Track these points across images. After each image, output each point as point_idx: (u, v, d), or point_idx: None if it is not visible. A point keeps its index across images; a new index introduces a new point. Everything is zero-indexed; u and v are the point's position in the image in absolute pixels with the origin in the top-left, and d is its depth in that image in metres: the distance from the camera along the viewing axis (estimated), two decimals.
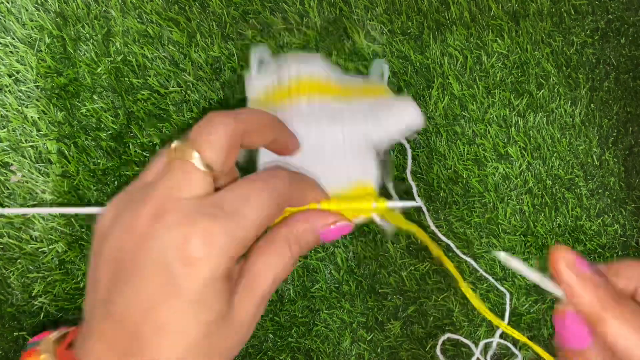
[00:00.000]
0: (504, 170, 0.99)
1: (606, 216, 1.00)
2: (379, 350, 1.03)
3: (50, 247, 0.92)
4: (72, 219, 0.92)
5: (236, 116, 0.37)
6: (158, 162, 0.43)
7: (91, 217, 0.93)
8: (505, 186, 0.99)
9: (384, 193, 0.52)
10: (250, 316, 0.33)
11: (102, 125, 0.95)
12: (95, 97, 0.94)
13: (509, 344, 0.89)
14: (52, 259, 0.92)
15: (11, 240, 0.92)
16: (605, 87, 1.03)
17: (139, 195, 0.37)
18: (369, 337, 0.98)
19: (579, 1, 1.04)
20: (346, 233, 0.40)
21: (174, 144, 0.36)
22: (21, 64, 0.93)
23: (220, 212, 0.32)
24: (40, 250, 0.92)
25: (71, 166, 0.93)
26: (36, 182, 0.92)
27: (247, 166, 0.51)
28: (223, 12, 0.97)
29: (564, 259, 0.32)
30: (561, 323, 0.32)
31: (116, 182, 0.94)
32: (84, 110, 0.94)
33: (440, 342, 0.95)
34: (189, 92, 0.95)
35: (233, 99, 0.96)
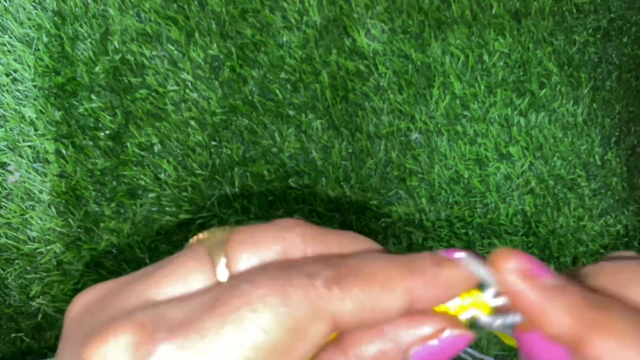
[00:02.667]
0: (505, 170, 0.98)
1: (608, 216, 0.99)
2: None
3: (48, 247, 0.91)
4: (70, 220, 0.92)
5: (317, 238, 0.23)
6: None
7: (89, 218, 0.93)
8: (507, 186, 0.98)
9: None
10: None
11: (100, 125, 0.94)
12: (93, 96, 0.94)
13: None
14: (50, 259, 0.92)
15: (9, 241, 0.91)
16: (608, 87, 1.02)
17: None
18: None
19: (581, 0, 1.03)
20: (461, 348, 0.23)
21: (205, 234, 0.24)
22: (19, 63, 0.93)
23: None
24: (37, 250, 0.92)
25: (69, 166, 0.92)
26: (34, 182, 0.92)
27: None
28: (222, 11, 0.96)
29: (514, 268, 0.22)
30: (528, 346, 0.23)
31: (114, 182, 0.94)
32: (82, 109, 0.94)
33: None
34: (187, 91, 0.94)
35: (234, 99, 0.96)
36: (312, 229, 0.23)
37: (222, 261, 0.22)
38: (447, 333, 0.22)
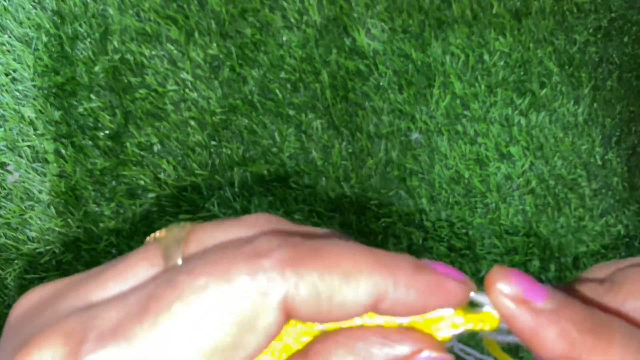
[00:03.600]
0: (506, 170, 0.98)
1: (609, 216, 0.99)
2: None
3: (47, 247, 0.91)
4: (70, 220, 0.92)
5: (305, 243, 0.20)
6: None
7: (89, 218, 0.93)
8: (508, 186, 0.98)
9: None
10: None
11: (100, 125, 0.94)
12: (92, 96, 0.94)
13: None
14: (50, 259, 0.92)
15: (8, 241, 0.91)
16: (608, 86, 1.02)
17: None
18: None
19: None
20: None
21: (163, 232, 0.21)
22: (18, 63, 0.93)
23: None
24: (37, 251, 0.92)
25: (68, 166, 0.92)
26: (33, 182, 0.92)
27: None
28: (222, 10, 0.96)
29: (508, 292, 0.21)
30: None
31: (113, 182, 0.94)
32: (81, 109, 0.94)
33: None
34: (187, 90, 0.94)
35: (234, 99, 0.96)
36: (287, 227, 0.20)
37: (179, 263, 0.19)
38: (425, 354, 0.20)
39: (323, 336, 0.19)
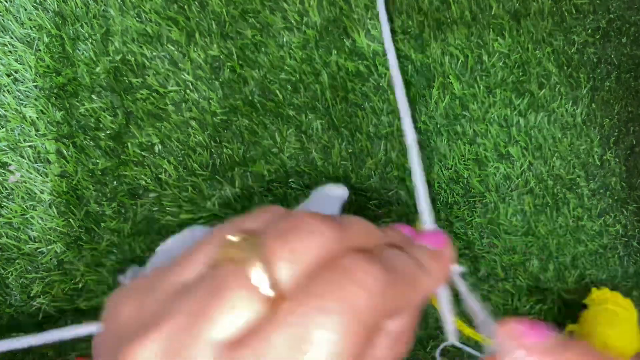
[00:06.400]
0: (505, 170, 0.98)
1: (607, 216, 1.00)
2: None
3: (48, 247, 0.92)
4: (71, 220, 0.92)
5: (343, 228, 0.22)
6: (201, 256, 0.23)
7: (90, 218, 0.93)
8: (507, 186, 0.99)
9: None
10: None
11: (101, 125, 0.94)
12: (94, 96, 0.94)
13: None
14: (51, 259, 0.92)
15: (9, 241, 0.91)
16: (607, 87, 1.03)
17: (150, 316, 0.21)
18: None
19: (580, 0, 1.04)
20: None
21: (233, 238, 0.22)
22: (20, 64, 0.93)
23: None
24: (38, 250, 0.92)
25: (70, 166, 0.92)
26: (35, 182, 0.92)
27: None
28: (222, 11, 0.97)
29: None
30: None
31: (115, 182, 0.94)
32: (83, 109, 0.94)
33: (440, 347, 0.94)
34: (188, 91, 0.95)
35: (234, 99, 0.96)
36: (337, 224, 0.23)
37: (266, 282, 0.20)
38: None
39: None
